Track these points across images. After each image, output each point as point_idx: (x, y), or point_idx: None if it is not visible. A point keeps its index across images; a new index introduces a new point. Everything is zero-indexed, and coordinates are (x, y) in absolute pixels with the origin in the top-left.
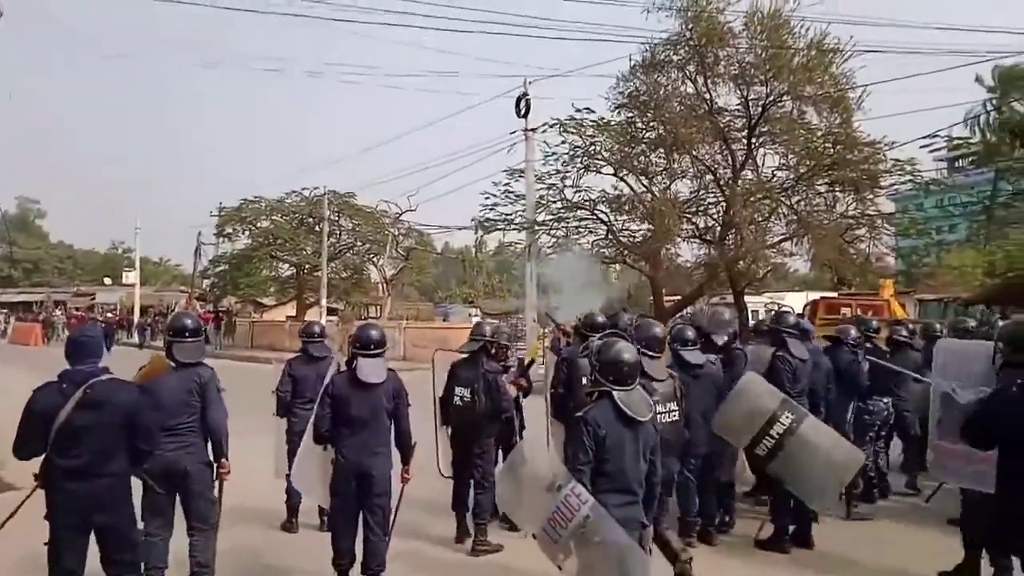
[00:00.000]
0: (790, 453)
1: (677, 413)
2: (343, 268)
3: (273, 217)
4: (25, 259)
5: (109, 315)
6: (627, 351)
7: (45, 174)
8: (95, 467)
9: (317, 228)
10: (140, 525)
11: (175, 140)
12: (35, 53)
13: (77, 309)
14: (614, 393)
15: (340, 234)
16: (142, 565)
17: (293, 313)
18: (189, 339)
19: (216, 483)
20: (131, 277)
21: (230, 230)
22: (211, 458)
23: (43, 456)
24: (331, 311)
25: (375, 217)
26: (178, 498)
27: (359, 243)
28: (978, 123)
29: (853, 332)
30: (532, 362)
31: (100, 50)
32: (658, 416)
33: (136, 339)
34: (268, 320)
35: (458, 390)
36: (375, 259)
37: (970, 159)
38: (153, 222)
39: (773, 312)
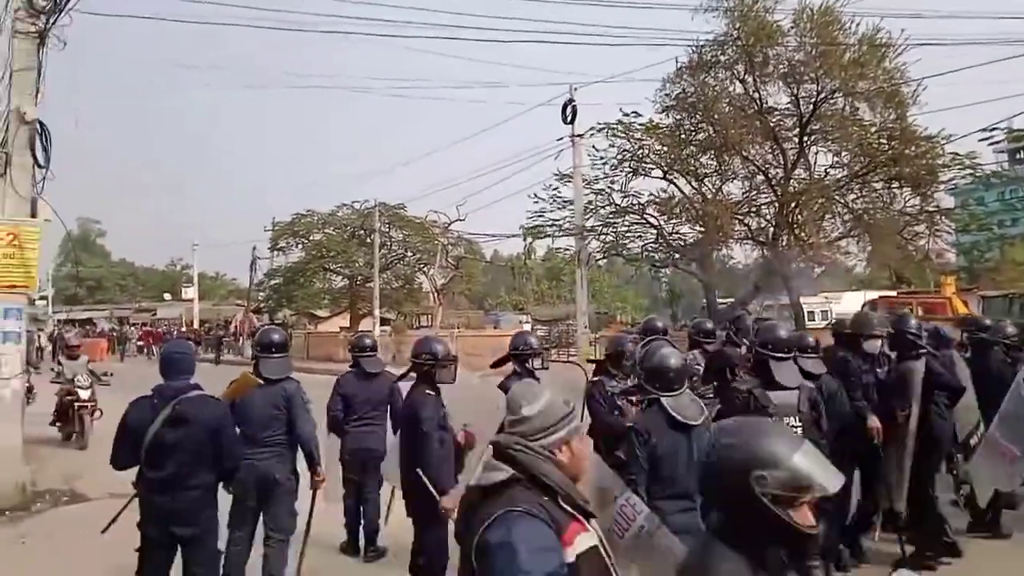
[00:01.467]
0: None
1: (800, 429)
2: (394, 279)
3: (325, 230)
4: (88, 277)
5: (184, 330)
6: (672, 356)
7: (105, 194)
8: (180, 480)
9: (368, 240)
10: (224, 538)
11: (229, 159)
12: (94, 76)
13: (144, 325)
14: (662, 399)
15: (391, 245)
16: None
17: (347, 324)
18: (276, 355)
19: (311, 492)
20: (190, 292)
21: (283, 244)
22: (297, 469)
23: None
24: (384, 321)
25: (424, 228)
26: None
27: (409, 253)
28: None
29: (1010, 329)
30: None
31: (147, 74)
32: None
33: (212, 355)
34: (322, 332)
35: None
36: (426, 269)
37: None
38: (209, 239)
39: (893, 316)
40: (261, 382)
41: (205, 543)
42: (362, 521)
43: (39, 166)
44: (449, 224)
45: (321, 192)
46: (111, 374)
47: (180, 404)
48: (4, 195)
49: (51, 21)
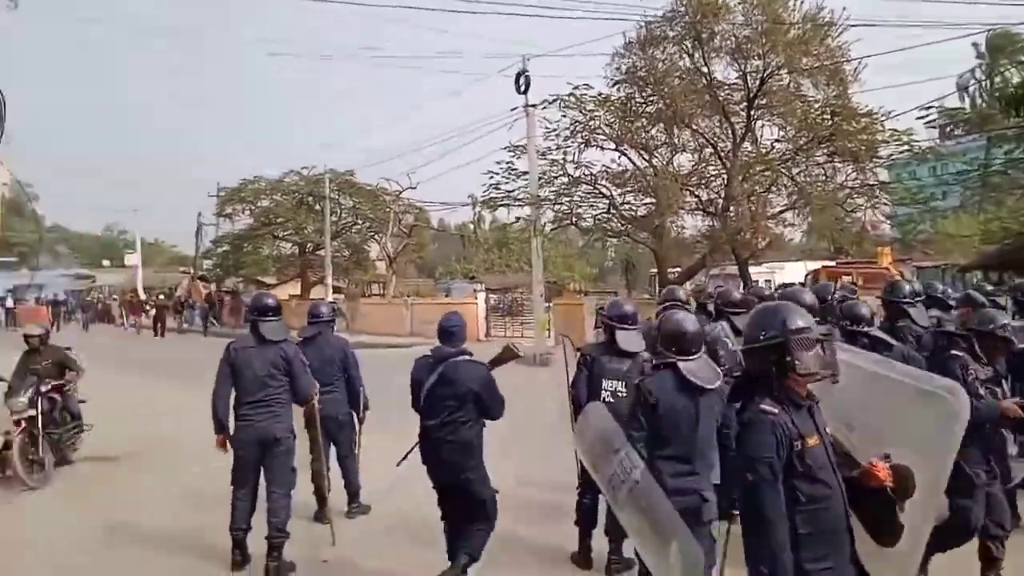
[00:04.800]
0: None
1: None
2: (344, 247)
3: (273, 196)
4: (19, 242)
5: (161, 297)
6: (688, 321)
7: (40, 157)
8: (445, 430)
9: (317, 207)
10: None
11: (171, 126)
12: (35, 34)
13: (126, 294)
14: (679, 363)
15: (341, 213)
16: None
17: (297, 292)
18: (271, 318)
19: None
20: (132, 259)
21: (230, 210)
22: (293, 428)
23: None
24: (335, 290)
25: (375, 195)
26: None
27: (360, 221)
28: (967, 91)
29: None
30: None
31: (94, 31)
32: None
33: (199, 323)
34: None
35: (607, 383)
36: (377, 237)
37: (962, 126)
38: (149, 204)
39: (887, 285)
40: (521, 353)
41: (470, 487)
42: (344, 480)
43: None
44: (401, 192)
45: (274, 160)
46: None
47: (447, 367)
48: None
49: None
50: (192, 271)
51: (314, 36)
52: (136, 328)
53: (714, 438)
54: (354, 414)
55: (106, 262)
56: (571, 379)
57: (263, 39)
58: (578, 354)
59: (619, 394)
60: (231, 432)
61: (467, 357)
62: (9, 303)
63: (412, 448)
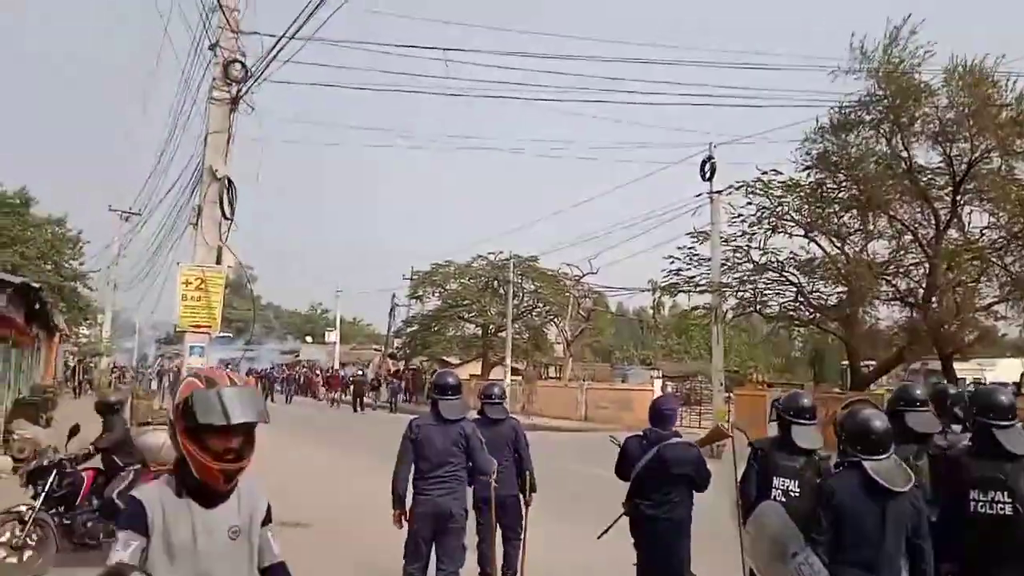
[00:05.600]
0: None
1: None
2: (525, 329)
3: (461, 280)
4: (238, 319)
5: (359, 374)
6: (877, 418)
7: (260, 243)
8: (661, 509)
9: (501, 291)
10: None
11: (380, 214)
12: (272, 134)
13: (329, 370)
14: (864, 463)
15: (523, 296)
16: None
17: (478, 371)
18: (452, 396)
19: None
20: (332, 336)
21: (421, 292)
22: (467, 505)
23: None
24: (514, 371)
25: (556, 280)
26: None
27: (540, 304)
28: None
29: None
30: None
31: (317, 132)
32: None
33: (385, 398)
34: None
35: (778, 481)
36: (556, 320)
37: None
38: (350, 285)
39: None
40: (731, 434)
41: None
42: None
43: (225, 218)
44: (582, 276)
45: (465, 247)
46: None
47: (663, 448)
48: (195, 243)
49: (243, 89)
50: (384, 349)
51: (508, 132)
52: (334, 403)
53: (902, 546)
54: (520, 496)
55: (308, 338)
56: (739, 474)
57: (458, 134)
58: (749, 448)
59: (791, 493)
60: (407, 507)
61: (680, 439)
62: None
63: (616, 519)
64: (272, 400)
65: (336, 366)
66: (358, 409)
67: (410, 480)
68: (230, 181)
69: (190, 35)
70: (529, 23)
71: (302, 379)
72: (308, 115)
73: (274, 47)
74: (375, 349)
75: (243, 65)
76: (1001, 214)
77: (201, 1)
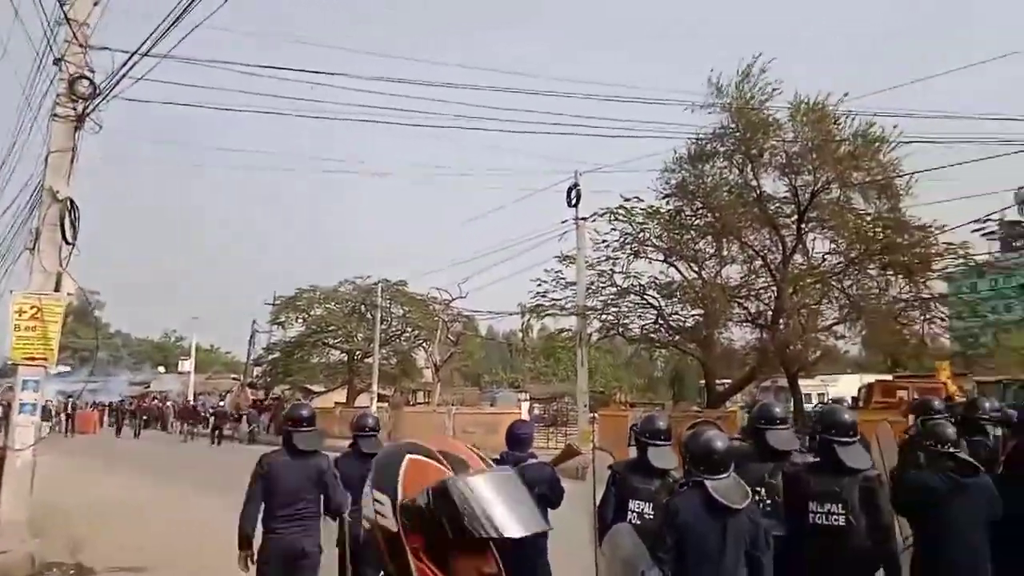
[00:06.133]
0: None
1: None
2: (392, 354)
3: (327, 305)
4: (83, 348)
5: (220, 404)
6: (718, 439)
7: (107, 266)
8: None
9: (369, 316)
10: None
11: (238, 237)
12: (115, 154)
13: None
14: (707, 482)
15: (391, 321)
16: None
17: (343, 399)
18: (306, 428)
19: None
20: (186, 365)
21: (284, 318)
22: (321, 543)
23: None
24: (380, 398)
25: (425, 304)
26: None
27: (409, 329)
28: None
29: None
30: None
31: (169, 152)
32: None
33: (245, 429)
34: (318, 407)
35: (633, 504)
36: (424, 345)
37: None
38: (208, 312)
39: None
40: (583, 451)
41: None
42: None
43: (67, 242)
44: (451, 301)
45: (329, 271)
46: None
47: (522, 470)
48: (32, 269)
49: (90, 107)
50: (243, 378)
51: (372, 154)
52: (188, 436)
53: (741, 559)
54: None
55: (162, 368)
56: (599, 497)
57: (322, 157)
58: (608, 471)
59: (646, 516)
60: (255, 548)
61: (535, 459)
62: (70, 408)
63: None
64: (118, 435)
65: (190, 397)
66: (216, 442)
67: (259, 519)
68: (72, 203)
69: (32, 48)
70: (414, 51)
71: (155, 411)
72: (180, 136)
73: (125, 63)
74: (233, 378)
75: (91, 81)
76: (840, 241)
77: (45, 13)
